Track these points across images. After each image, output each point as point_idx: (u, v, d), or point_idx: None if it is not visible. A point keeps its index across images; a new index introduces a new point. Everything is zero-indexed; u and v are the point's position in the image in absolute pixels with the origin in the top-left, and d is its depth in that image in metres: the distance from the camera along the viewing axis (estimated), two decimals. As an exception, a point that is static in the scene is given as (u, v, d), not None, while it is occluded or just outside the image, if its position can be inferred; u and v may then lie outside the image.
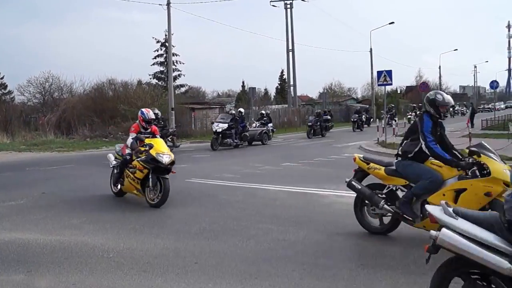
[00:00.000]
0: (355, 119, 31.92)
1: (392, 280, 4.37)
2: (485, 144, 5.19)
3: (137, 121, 8.70)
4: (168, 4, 26.85)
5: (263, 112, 27.05)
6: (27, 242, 5.73)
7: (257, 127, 23.85)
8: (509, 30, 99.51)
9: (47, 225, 6.59)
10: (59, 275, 4.62)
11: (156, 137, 8.46)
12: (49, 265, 4.86)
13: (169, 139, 16.43)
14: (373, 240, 5.64)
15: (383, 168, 5.76)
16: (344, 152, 16.53)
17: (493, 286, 2.95)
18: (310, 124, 26.28)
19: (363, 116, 33.87)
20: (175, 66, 42.99)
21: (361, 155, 6.18)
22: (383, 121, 21.30)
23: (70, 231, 6.27)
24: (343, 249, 5.38)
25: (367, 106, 40.82)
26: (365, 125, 33.42)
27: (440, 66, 73.97)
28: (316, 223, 6.47)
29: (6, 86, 44.61)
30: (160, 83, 43.22)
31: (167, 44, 35.83)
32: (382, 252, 5.17)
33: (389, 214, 5.66)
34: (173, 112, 25.84)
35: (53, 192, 9.30)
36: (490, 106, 60.55)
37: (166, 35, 37.49)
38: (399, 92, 68.00)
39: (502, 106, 38.87)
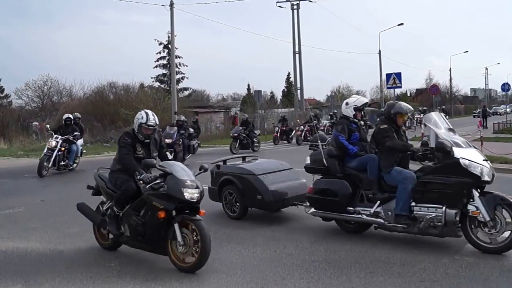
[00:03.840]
0: (236, 133, 19.07)
1: (403, 288, 4.24)
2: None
3: None
4: (171, 4, 26.63)
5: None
6: (25, 251, 5.60)
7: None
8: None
9: (46, 234, 6.44)
10: (58, 284, 4.51)
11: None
12: (47, 275, 4.73)
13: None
14: (382, 247, 5.50)
15: None
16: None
17: None
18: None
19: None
20: (178, 68, 42.70)
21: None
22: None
23: (70, 239, 6.14)
24: (352, 256, 5.23)
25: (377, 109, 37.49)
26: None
27: (450, 69, 73.49)
28: (324, 230, 6.32)
29: (3, 89, 44.07)
30: (162, 86, 43.00)
31: (170, 46, 35.78)
32: (392, 260, 5.04)
33: None
34: (176, 116, 25.59)
35: (52, 199, 9.11)
36: (491, 110, 58.95)
37: (169, 37, 37.56)
38: (409, 95, 66.89)
39: (508, 110, 37.48)
